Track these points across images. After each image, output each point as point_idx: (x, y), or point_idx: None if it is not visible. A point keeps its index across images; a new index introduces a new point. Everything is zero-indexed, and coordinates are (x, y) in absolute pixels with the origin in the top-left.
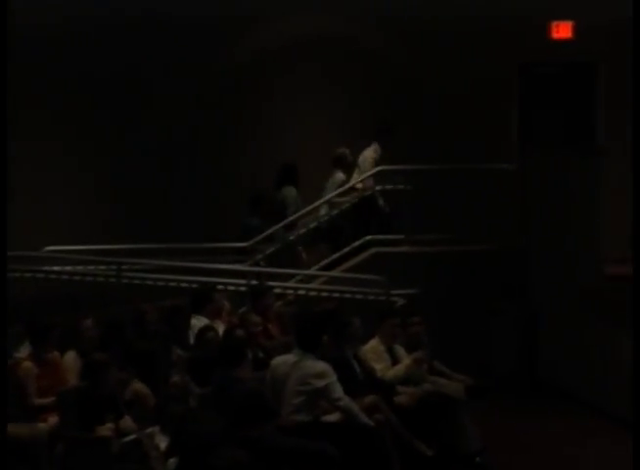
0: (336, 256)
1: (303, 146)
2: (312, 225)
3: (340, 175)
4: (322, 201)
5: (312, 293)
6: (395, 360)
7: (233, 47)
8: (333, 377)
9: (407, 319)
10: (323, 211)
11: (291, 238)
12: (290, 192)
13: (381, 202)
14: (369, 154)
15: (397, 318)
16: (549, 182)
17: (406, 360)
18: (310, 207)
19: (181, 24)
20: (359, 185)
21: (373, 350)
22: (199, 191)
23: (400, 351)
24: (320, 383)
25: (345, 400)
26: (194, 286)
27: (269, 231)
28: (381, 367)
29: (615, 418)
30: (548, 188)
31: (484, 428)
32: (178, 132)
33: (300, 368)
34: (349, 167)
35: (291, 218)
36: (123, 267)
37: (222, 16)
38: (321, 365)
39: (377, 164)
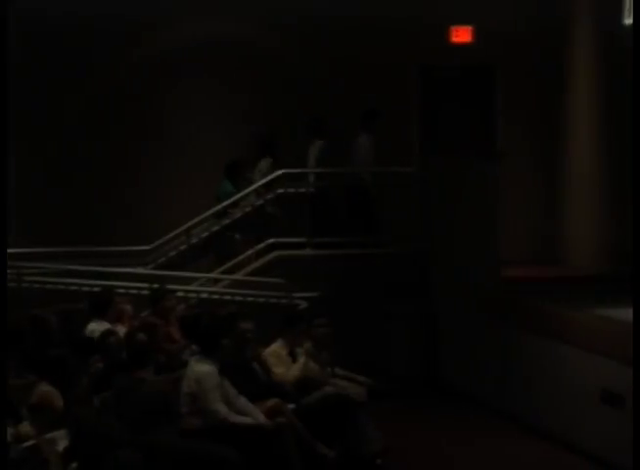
0: (238, 259)
1: (198, 146)
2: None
3: (264, 164)
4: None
5: (215, 296)
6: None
7: (128, 49)
8: (209, 384)
9: (312, 321)
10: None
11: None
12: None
13: (270, 209)
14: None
15: (300, 322)
16: (448, 185)
17: (301, 359)
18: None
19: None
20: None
21: (275, 353)
22: (101, 193)
23: (303, 352)
24: (197, 388)
25: (222, 413)
26: (95, 290)
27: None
28: (282, 371)
29: (512, 419)
30: (447, 190)
31: (385, 430)
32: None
33: (189, 371)
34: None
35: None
36: (23, 272)
37: (115, 17)
38: (203, 370)
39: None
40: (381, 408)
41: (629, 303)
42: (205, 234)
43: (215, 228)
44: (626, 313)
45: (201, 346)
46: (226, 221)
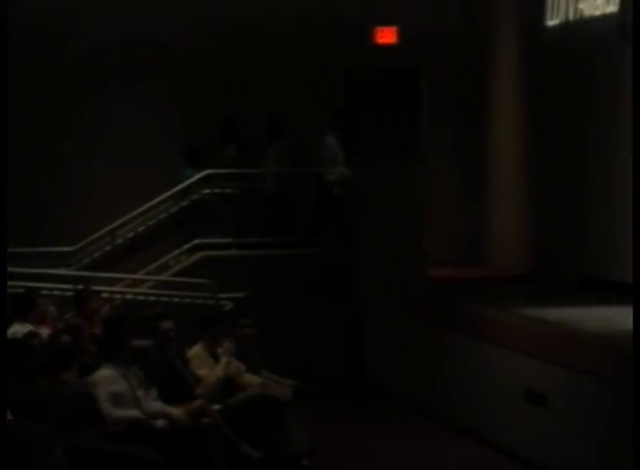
0: (163, 260)
1: (125, 146)
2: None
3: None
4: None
5: (140, 297)
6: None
7: (51, 48)
8: (98, 389)
9: (236, 322)
10: None
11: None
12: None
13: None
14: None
15: (218, 323)
16: (373, 185)
17: (223, 359)
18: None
19: None
20: None
21: (197, 355)
22: (25, 193)
23: (223, 352)
24: (93, 391)
25: (105, 411)
26: (18, 291)
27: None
28: (205, 373)
29: (438, 418)
30: (372, 191)
31: (312, 430)
32: None
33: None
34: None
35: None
36: None
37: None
38: (97, 374)
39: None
40: (307, 409)
41: (553, 302)
42: (131, 234)
43: (141, 229)
44: (550, 313)
45: (102, 349)
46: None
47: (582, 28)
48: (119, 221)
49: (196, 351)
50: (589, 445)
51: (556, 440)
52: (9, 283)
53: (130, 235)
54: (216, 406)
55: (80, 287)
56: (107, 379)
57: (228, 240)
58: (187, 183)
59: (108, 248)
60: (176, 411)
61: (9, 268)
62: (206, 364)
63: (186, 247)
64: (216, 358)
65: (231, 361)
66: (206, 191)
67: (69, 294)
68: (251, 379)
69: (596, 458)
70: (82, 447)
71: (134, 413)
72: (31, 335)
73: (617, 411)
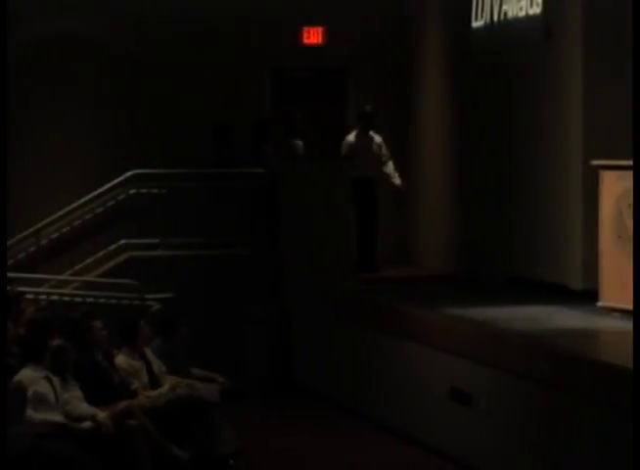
0: (89, 260)
1: (59, 146)
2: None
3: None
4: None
5: (66, 298)
6: (147, 364)
7: None
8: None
9: (166, 322)
10: None
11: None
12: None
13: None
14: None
15: (147, 325)
16: (301, 185)
17: (171, 381)
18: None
19: None
20: None
21: (124, 362)
22: None
23: (149, 353)
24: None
25: (33, 420)
26: None
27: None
28: (138, 378)
29: (366, 418)
30: (301, 192)
31: (239, 431)
32: None
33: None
34: None
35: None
36: None
37: None
38: (19, 375)
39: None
40: (234, 409)
41: (479, 302)
42: (56, 235)
43: (66, 229)
44: (476, 312)
45: (24, 351)
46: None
47: (507, 30)
48: (44, 222)
49: (123, 357)
50: (514, 443)
51: (481, 438)
52: None
53: (55, 236)
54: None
55: (8, 288)
56: (28, 380)
57: (155, 240)
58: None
59: (32, 248)
60: (102, 413)
61: None
62: (135, 370)
63: (112, 247)
64: (145, 359)
65: (160, 367)
66: (133, 191)
67: None
68: (172, 380)
69: (521, 457)
70: (7, 448)
71: (56, 417)
72: None
73: (542, 410)
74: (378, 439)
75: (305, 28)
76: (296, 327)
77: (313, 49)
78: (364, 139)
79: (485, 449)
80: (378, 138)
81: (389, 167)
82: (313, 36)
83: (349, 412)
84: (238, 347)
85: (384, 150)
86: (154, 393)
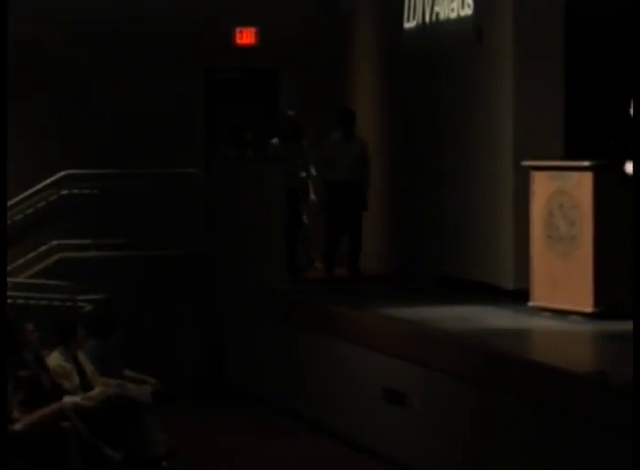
0: (21, 261)
1: None
2: None
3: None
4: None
5: None
6: (79, 366)
7: None
8: None
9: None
10: None
11: None
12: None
13: None
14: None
15: (80, 327)
16: (234, 186)
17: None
18: None
19: None
20: None
21: (57, 364)
22: None
23: (81, 355)
24: None
25: None
26: None
27: None
28: (70, 386)
29: (299, 418)
30: (233, 191)
31: (171, 431)
32: None
33: None
34: None
35: None
36: None
37: None
38: None
39: None
40: (167, 410)
41: (412, 302)
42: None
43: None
44: (409, 312)
45: None
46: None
47: (438, 31)
48: None
49: (55, 355)
50: (447, 443)
51: (414, 438)
52: None
53: None
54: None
55: None
56: None
57: (86, 241)
58: None
59: None
60: (33, 415)
61: None
62: (66, 369)
63: (43, 248)
64: (76, 361)
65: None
66: (64, 192)
67: None
68: (104, 382)
69: (455, 457)
70: None
71: None
72: None
73: (475, 410)
74: (311, 439)
75: (238, 29)
76: (228, 327)
77: (246, 49)
78: (348, 141)
79: (418, 449)
80: (362, 140)
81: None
82: (246, 37)
83: (282, 412)
84: (170, 347)
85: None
86: (85, 395)
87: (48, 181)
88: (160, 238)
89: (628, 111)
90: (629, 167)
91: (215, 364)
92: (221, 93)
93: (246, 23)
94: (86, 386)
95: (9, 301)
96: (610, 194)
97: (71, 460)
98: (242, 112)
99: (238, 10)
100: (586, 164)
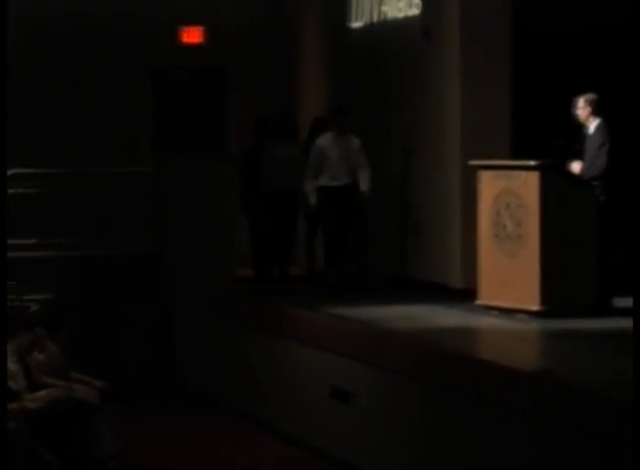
0: None
1: None
2: None
3: None
4: None
5: None
6: (26, 367)
7: None
8: None
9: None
10: None
11: None
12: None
13: None
14: None
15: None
16: (182, 186)
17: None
18: None
19: None
20: None
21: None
22: None
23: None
24: None
25: None
26: None
27: None
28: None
29: (248, 418)
30: (181, 191)
31: (120, 433)
32: None
33: None
34: None
35: None
36: None
37: None
38: None
39: None
40: (115, 411)
41: (360, 301)
42: None
43: None
44: (357, 312)
45: None
46: None
47: (386, 30)
48: None
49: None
50: (395, 441)
51: (362, 437)
52: None
53: None
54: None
55: None
56: None
57: (32, 241)
58: None
59: None
60: None
61: None
62: (13, 373)
63: None
64: (23, 362)
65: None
66: (11, 191)
67: None
68: (51, 383)
69: (401, 455)
70: None
71: None
72: None
73: (422, 408)
74: (260, 439)
75: (184, 28)
76: (179, 327)
77: (193, 48)
78: (341, 141)
79: (366, 448)
80: (356, 140)
81: (364, 177)
82: (192, 35)
83: (231, 413)
84: (119, 347)
85: (362, 156)
86: (32, 396)
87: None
88: (109, 237)
89: (570, 111)
90: (575, 167)
91: (166, 364)
92: (168, 92)
93: (192, 22)
94: (33, 387)
95: None
96: (556, 193)
97: (15, 463)
98: (189, 111)
99: (184, 9)
100: (533, 163)
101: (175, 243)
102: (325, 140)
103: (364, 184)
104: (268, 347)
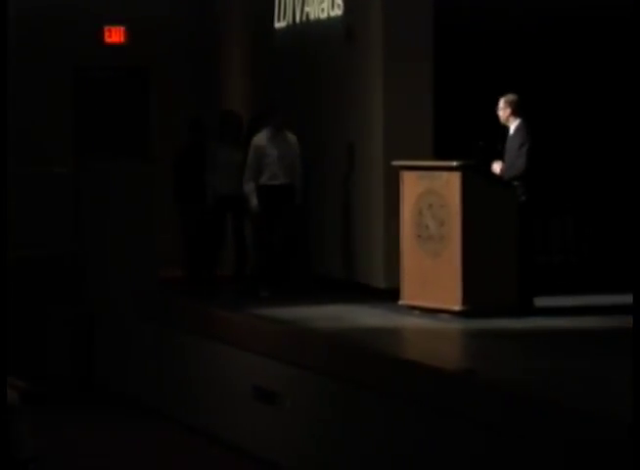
0: None
1: None
2: None
3: None
4: None
5: None
6: None
7: None
8: None
9: None
10: None
11: None
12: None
13: None
14: None
15: None
16: (103, 186)
17: None
18: None
19: None
20: None
21: None
22: None
23: None
24: None
25: None
26: None
27: None
28: None
29: (172, 419)
30: (102, 191)
31: (40, 434)
32: None
33: None
34: None
35: None
36: None
37: None
38: None
39: None
40: (36, 412)
41: (284, 301)
42: None
43: None
44: (281, 312)
45: None
46: None
47: (309, 31)
48: None
49: None
50: (319, 441)
51: (287, 437)
52: None
53: None
54: None
55: None
56: None
57: None
58: None
59: None
60: None
61: None
62: None
63: None
64: None
65: None
66: None
67: None
68: None
69: (324, 455)
70: None
71: None
72: None
73: (346, 408)
74: (182, 439)
75: (107, 27)
76: (99, 327)
77: (115, 48)
78: (278, 139)
79: (290, 448)
80: (293, 137)
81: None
82: (115, 35)
83: (154, 413)
84: (40, 347)
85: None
86: None
87: None
88: (30, 238)
89: (495, 111)
90: (495, 167)
91: (86, 365)
92: (90, 92)
93: (115, 22)
94: None
95: None
96: (478, 194)
97: None
98: (111, 111)
99: (107, 8)
100: (454, 164)
101: (98, 243)
102: (262, 139)
103: (299, 183)
104: (190, 346)
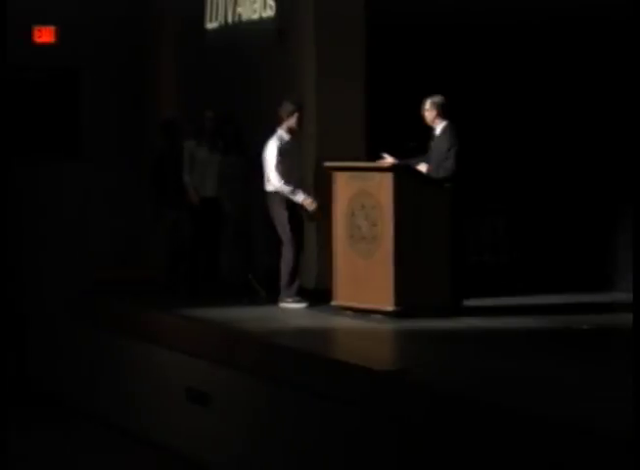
0: None
1: None
2: None
3: None
4: None
5: None
6: None
7: None
8: None
9: None
10: None
11: None
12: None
13: None
14: None
15: None
16: (38, 189)
17: None
18: None
19: None
20: None
21: None
22: None
23: None
24: None
25: None
26: None
27: None
28: None
29: (104, 421)
30: (38, 194)
31: None
32: None
33: None
34: None
35: None
36: None
37: None
38: None
39: None
40: None
41: (217, 302)
42: None
43: None
44: (212, 313)
45: None
46: None
47: (241, 31)
48: None
49: None
50: (251, 441)
51: (219, 438)
52: None
53: None
54: None
55: None
56: None
57: None
58: None
59: None
60: None
61: None
62: None
63: None
64: None
65: None
66: None
67: None
68: None
69: (257, 456)
70: None
71: None
72: None
73: (277, 409)
74: (115, 442)
75: (37, 27)
76: (32, 328)
77: (46, 48)
78: (296, 140)
79: (223, 449)
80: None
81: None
82: (45, 35)
83: (86, 415)
84: None
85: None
86: None
87: None
88: None
89: (420, 112)
90: (421, 168)
91: (17, 366)
92: (20, 92)
93: (46, 22)
94: None
95: None
96: (409, 194)
97: None
98: (41, 112)
99: (37, 7)
100: (386, 165)
101: (34, 244)
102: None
103: None
104: (122, 348)
